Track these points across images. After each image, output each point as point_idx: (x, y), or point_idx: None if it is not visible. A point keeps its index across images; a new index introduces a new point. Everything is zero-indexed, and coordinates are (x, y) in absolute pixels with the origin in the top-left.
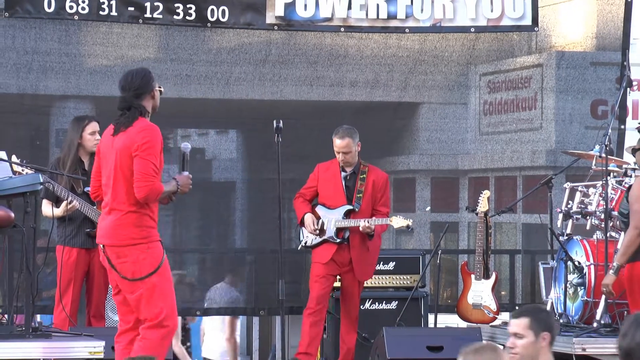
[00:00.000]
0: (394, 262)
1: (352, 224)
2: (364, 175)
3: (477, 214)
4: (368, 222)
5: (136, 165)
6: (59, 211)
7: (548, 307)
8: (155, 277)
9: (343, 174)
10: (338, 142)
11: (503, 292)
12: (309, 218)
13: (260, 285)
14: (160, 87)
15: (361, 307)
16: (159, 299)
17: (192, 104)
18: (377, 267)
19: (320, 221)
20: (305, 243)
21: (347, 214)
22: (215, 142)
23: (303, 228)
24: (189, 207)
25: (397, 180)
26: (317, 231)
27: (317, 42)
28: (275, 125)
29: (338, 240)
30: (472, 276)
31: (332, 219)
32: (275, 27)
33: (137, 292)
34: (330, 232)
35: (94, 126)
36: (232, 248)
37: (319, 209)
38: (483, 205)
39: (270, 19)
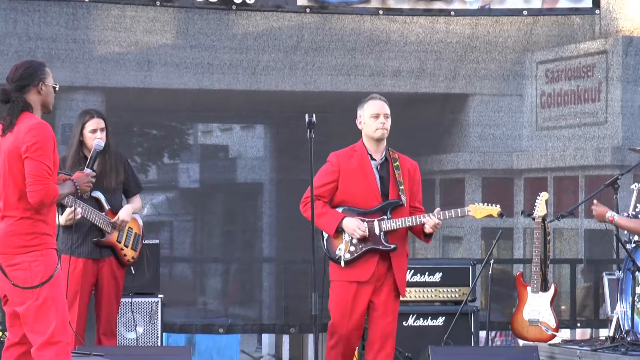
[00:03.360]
0: (441, 273)
1: (409, 222)
2: (397, 163)
3: (534, 218)
4: (440, 217)
5: (27, 168)
6: (61, 220)
7: (613, 322)
8: (47, 287)
9: (373, 162)
10: (376, 105)
11: (563, 307)
12: (353, 221)
13: (290, 299)
14: (55, 85)
15: (404, 323)
16: (50, 312)
17: (215, 96)
18: (422, 279)
19: (365, 224)
20: (341, 258)
21: (392, 211)
22: (241, 138)
23: (330, 239)
24: (211, 211)
25: (445, 181)
26: (366, 236)
27: (355, 27)
28: (307, 120)
29: (392, 247)
30: (529, 288)
31: (375, 220)
32: (308, 10)
33: (27, 303)
34: (378, 237)
35: (96, 123)
36: (259, 257)
37: (345, 212)
38: (541, 209)
39: (302, 0)
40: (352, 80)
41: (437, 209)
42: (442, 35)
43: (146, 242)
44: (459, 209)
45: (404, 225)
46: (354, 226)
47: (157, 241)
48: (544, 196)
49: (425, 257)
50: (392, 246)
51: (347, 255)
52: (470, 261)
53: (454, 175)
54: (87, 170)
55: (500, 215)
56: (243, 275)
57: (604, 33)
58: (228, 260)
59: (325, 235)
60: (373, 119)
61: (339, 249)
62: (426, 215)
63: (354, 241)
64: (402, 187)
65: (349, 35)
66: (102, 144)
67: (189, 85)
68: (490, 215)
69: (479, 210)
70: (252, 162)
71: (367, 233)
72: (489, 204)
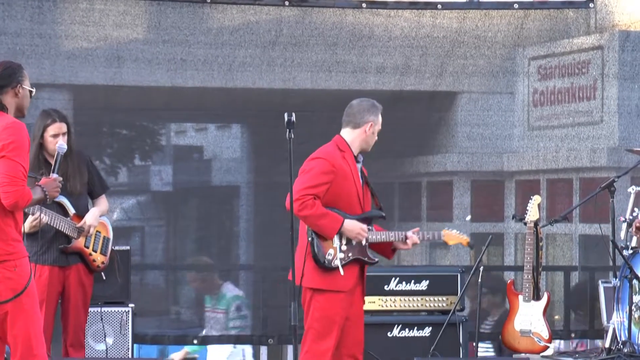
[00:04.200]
0: (427, 281)
1: (392, 237)
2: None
3: (525, 223)
4: (420, 236)
5: (2, 167)
6: (25, 226)
7: (610, 333)
8: (22, 297)
9: (358, 165)
10: (380, 119)
11: (556, 317)
12: (357, 224)
13: (269, 309)
14: (32, 88)
15: (388, 334)
16: (25, 322)
17: (189, 94)
18: (408, 287)
19: (367, 227)
20: (329, 262)
21: (371, 223)
22: (216, 138)
23: (320, 243)
24: (184, 216)
25: (432, 184)
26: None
27: (337, 21)
28: (286, 119)
29: (376, 260)
30: (520, 297)
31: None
32: (287, 3)
33: (0, 315)
34: (364, 248)
35: (57, 127)
36: (235, 264)
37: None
38: (533, 214)
39: None
40: (333, 77)
41: (416, 229)
42: (428, 30)
43: (116, 248)
44: (435, 232)
45: (387, 240)
46: (358, 229)
47: (128, 247)
48: (536, 200)
49: (412, 265)
50: (376, 259)
51: (336, 262)
52: (459, 268)
53: (441, 177)
54: (54, 176)
55: (470, 246)
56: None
57: (600, 27)
58: (202, 267)
59: (316, 242)
60: (375, 134)
61: (329, 253)
62: (409, 232)
63: (343, 248)
64: (375, 195)
65: (330, 29)
66: (65, 147)
67: (161, 83)
68: (461, 244)
69: (451, 237)
70: (228, 163)
71: (367, 238)
72: (461, 233)
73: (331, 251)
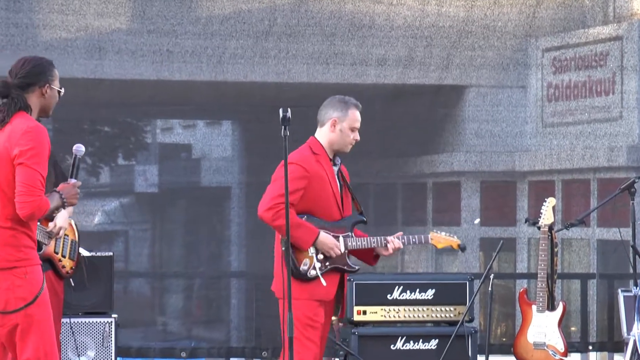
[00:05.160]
0: (434, 290)
1: (373, 243)
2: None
3: (539, 227)
4: (403, 241)
5: (20, 176)
6: None
7: (630, 346)
8: (33, 307)
9: (335, 168)
10: (358, 115)
11: (573, 328)
12: (330, 239)
13: (262, 319)
14: (60, 89)
15: (392, 346)
16: (37, 335)
17: (176, 88)
18: (412, 296)
19: (341, 242)
20: (305, 273)
21: (352, 227)
22: (205, 136)
23: (293, 251)
24: (171, 219)
25: (438, 185)
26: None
27: (335, 9)
28: (281, 115)
29: (356, 268)
30: (534, 307)
31: (340, 235)
32: None
33: (9, 325)
34: (343, 256)
35: None
36: (226, 271)
37: (309, 221)
38: (547, 217)
39: None
40: (331, 70)
41: (400, 233)
42: (433, 19)
43: (98, 254)
44: (422, 236)
45: (368, 246)
46: (332, 244)
47: (111, 253)
48: (550, 202)
49: (416, 272)
50: (356, 267)
51: (312, 272)
52: (467, 276)
53: (448, 178)
54: (73, 181)
55: (462, 248)
56: (208, 292)
57: (618, 16)
58: (191, 275)
59: (290, 249)
60: (351, 132)
61: (304, 263)
62: (390, 237)
63: (319, 257)
64: (355, 199)
65: (327, 19)
66: (83, 149)
67: (146, 76)
68: (451, 247)
69: (440, 239)
70: (218, 163)
71: (341, 252)
72: (450, 235)
73: (306, 261)
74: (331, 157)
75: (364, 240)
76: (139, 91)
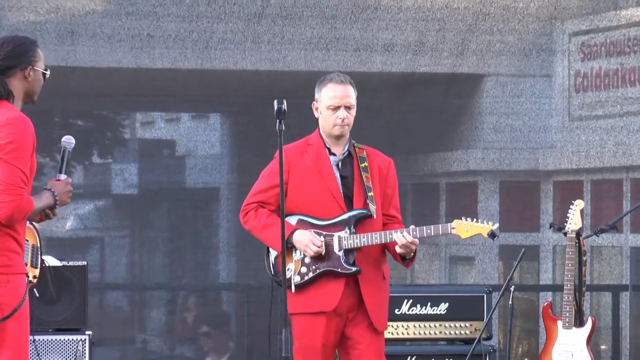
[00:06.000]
0: (447, 303)
1: (376, 240)
2: (366, 164)
3: (565, 234)
4: (416, 234)
5: None
6: None
7: None
8: (10, 321)
9: (333, 158)
10: (336, 89)
11: (603, 347)
12: (306, 235)
13: (254, 336)
14: (46, 70)
15: None
16: (9, 353)
17: (157, 77)
18: (423, 311)
19: (322, 239)
20: (292, 280)
21: (357, 224)
22: (190, 131)
23: (275, 258)
24: (153, 224)
25: (452, 186)
26: (322, 254)
27: None
28: (276, 107)
29: (353, 270)
30: (559, 323)
31: (335, 234)
32: None
33: None
34: (337, 256)
35: None
36: (215, 283)
37: (300, 223)
38: (574, 222)
39: None
40: (332, 57)
41: (412, 226)
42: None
43: (71, 263)
44: (440, 225)
45: (369, 243)
46: (307, 241)
47: (84, 263)
48: (578, 205)
49: (428, 283)
50: (354, 269)
51: (297, 278)
52: (485, 288)
53: (463, 178)
54: (63, 177)
55: (492, 235)
56: (194, 306)
57: None
58: (175, 287)
59: (273, 253)
60: (331, 111)
61: (288, 269)
62: (397, 231)
63: (307, 260)
64: (370, 193)
65: None
66: (73, 141)
67: (124, 64)
68: (480, 235)
69: (465, 227)
70: (205, 160)
71: (323, 250)
72: (480, 221)
73: (291, 266)
74: (332, 144)
75: (364, 238)
76: (116, 80)
